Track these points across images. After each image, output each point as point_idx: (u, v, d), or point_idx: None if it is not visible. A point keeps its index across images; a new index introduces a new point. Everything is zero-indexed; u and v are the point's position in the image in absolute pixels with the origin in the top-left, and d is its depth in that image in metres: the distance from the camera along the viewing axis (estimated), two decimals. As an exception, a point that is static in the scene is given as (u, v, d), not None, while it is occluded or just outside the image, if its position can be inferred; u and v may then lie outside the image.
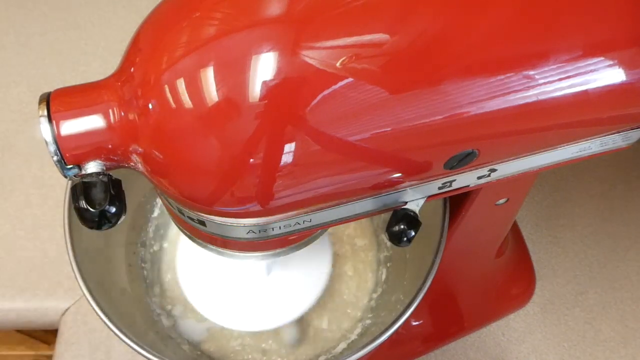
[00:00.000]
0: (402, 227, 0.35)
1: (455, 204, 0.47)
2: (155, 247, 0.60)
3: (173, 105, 0.28)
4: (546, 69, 0.29)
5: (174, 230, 0.61)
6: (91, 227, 0.30)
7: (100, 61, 0.79)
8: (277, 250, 0.38)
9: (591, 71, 0.30)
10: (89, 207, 0.29)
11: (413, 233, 0.35)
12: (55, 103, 0.29)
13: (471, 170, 0.34)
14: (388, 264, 0.60)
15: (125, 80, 0.29)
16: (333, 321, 0.58)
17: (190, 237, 0.38)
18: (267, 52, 0.27)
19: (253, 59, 0.27)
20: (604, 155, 0.38)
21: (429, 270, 0.45)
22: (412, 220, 0.35)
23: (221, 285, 0.55)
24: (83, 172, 0.30)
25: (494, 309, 0.65)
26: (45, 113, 0.29)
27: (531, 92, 0.29)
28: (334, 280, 0.60)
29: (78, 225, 0.45)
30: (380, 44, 0.27)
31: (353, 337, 0.57)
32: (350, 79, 0.27)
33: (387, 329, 0.44)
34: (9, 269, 0.65)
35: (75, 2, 0.84)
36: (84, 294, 0.44)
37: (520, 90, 0.29)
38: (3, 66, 0.79)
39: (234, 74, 0.27)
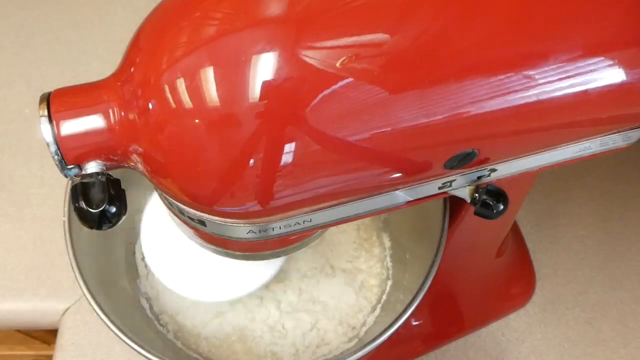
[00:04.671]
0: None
1: (455, 204, 0.47)
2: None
3: (173, 105, 0.28)
4: (546, 68, 0.29)
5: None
6: (91, 227, 0.30)
7: (100, 61, 0.79)
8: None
9: (591, 71, 0.30)
10: (88, 208, 0.29)
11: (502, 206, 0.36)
12: (56, 103, 0.29)
13: (471, 170, 0.34)
14: (388, 265, 0.60)
15: (125, 80, 0.29)
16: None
17: (190, 238, 0.38)
18: (267, 52, 0.27)
19: (253, 59, 0.27)
20: (604, 155, 0.38)
21: (429, 270, 0.45)
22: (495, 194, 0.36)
23: (183, 254, 0.52)
24: (83, 172, 0.30)
25: (494, 309, 0.65)
26: (46, 113, 0.29)
27: (531, 91, 0.29)
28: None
29: (78, 225, 0.45)
30: (380, 44, 0.27)
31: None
32: (350, 79, 0.27)
33: (387, 329, 0.44)
34: (9, 269, 0.65)
35: (75, 2, 0.84)
36: (84, 294, 0.44)
37: (520, 90, 0.29)
38: (3, 66, 0.79)
39: (233, 74, 0.27)
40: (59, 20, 0.83)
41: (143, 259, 0.59)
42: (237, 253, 0.38)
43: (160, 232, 0.53)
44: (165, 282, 0.51)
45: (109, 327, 0.43)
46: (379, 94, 0.27)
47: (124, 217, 0.31)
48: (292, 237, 0.36)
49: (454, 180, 0.35)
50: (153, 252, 0.53)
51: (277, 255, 0.39)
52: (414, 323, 0.62)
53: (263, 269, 0.52)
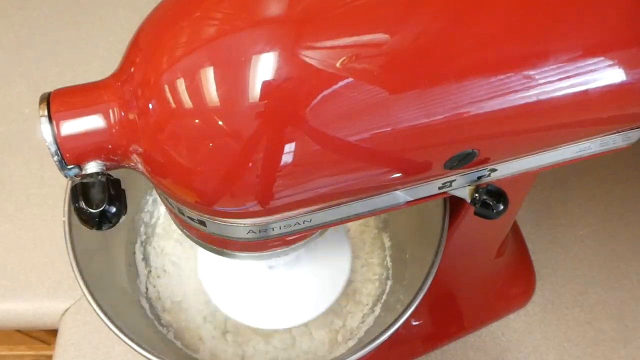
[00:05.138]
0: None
1: (455, 204, 0.47)
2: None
3: (173, 105, 0.28)
4: (546, 68, 0.29)
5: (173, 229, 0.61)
6: (91, 227, 0.30)
7: (100, 61, 0.79)
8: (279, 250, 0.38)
9: (591, 71, 0.30)
10: (88, 208, 0.29)
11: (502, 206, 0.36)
12: (56, 103, 0.29)
13: (471, 170, 0.34)
14: (388, 265, 0.60)
15: (125, 80, 0.29)
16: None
17: (190, 238, 0.38)
18: (267, 52, 0.27)
19: (253, 59, 0.27)
20: (604, 155, 0.38)
21: (429, 270, 0.45)
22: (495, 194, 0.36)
23: (241, 281, 0.55)
24: (83, 172, 0.30)
25: (494, 309, 0.65)
26: (46, 113, 0.29)
27: (531, 92, 0.29)
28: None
29: (78, 225, 0.45)
30: (380, 44, 0.27)
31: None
32: (350, 79, 0.27)
33: (387, 329, 0.44)
34: (9, 269, 0.65)
35: (75, 2, 0.84)
36: (84, 294, 0.44)
37: (520, 90, 0.29)
38: (3, 66, 0.79)
39: (234, 74, 0.27)
40: (59, 20, 0.83)
41: (143, 259, 0.59)
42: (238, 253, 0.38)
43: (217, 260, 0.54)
44: (220, 306, 0.53)
45: (109, 327, 0.43)
46: (379, 94, 0.27)
47: (124, 217, 0.31)
48: (291, 237, 0.36)
49: (454, 180, 0.35)
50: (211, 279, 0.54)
51: (277, 255, 0.39)
52: (414, 323, 0.62)
53: (323, 296, 0.54)
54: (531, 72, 0.29)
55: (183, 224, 0.36)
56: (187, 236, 0.38)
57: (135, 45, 0.30)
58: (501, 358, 0.63)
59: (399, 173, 0.31)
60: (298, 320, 0.54)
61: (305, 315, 0.54)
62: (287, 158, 0.28)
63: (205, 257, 0.56)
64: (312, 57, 0.27)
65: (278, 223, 0.32)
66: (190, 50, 0.28)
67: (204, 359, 0.56)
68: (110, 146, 0.30)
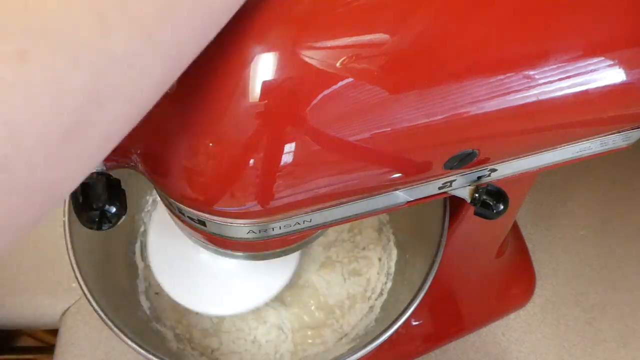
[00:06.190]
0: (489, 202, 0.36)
1: (455, 204, 0.47)
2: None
3: (171, 104, 0.28)
4: (546, 68, 0.29)
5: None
6: (91, 228, 0.30)
7: (100, 61, 0.79)
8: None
9: (591, 71, 0.30)
10: (88, 208, 0.29)
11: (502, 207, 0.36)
12: None
13: (471, 170, 0.34)
14: (388, 265, 0.60)
15: None
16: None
17: (189, 237, 0.38)
18: (266, 51, 0.27)
19: (253, 59, 0.27)
20: (604, 155, 0.38)
21: (429, 270, 0.45)
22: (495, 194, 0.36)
23: (192, 269, 0.54)
24: None
25: (494, 309, 0.65)
26: None
27: (531, 92, 0.29)
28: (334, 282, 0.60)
29: (78, 225, 0.45)
30: (380, 44, 0.27)
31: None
32: (350, 79, 0.27)
33: (387, 329, 0.44)
34: (9, 269, 0.65)
35: (75, 2, 0.84)
36: (84, 294, 0.44)
37: (520, 90, 0.29)
38: (3, 66, 0.79)
39: (233, 73, 0.27)
40: (59, 20, 0.83)
41: (143, 259, 0.59)
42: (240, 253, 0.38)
43: (168, 246, 0.54)
44: (173, 296, 0.52)
45: (109, 327, 0.43)
46: (379, 94, 0.27)
47: (124, 217, 0.31)
48: (292, 237, 0.36)
49: (454, 180, 0.35)
50: (161, 265, 0.53)
51: (278, 255, 0.39)
52: (414, 323, 0.62)
53: (268, 285, 0.52)
54: (531, 72, 0.29)
55: (183, 224, 0.36)
56: (187, 235, 0.38)
57: None
58: (501, 358, 0.63)
59: (399, 173, 0.31)
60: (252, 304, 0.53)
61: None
62: (287, 158, 0.28)
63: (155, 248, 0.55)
64: (312, 56, 0.27)
65: (278, 223, 0.32)
66: None
67: (203, 358, 0.56)
68: None
